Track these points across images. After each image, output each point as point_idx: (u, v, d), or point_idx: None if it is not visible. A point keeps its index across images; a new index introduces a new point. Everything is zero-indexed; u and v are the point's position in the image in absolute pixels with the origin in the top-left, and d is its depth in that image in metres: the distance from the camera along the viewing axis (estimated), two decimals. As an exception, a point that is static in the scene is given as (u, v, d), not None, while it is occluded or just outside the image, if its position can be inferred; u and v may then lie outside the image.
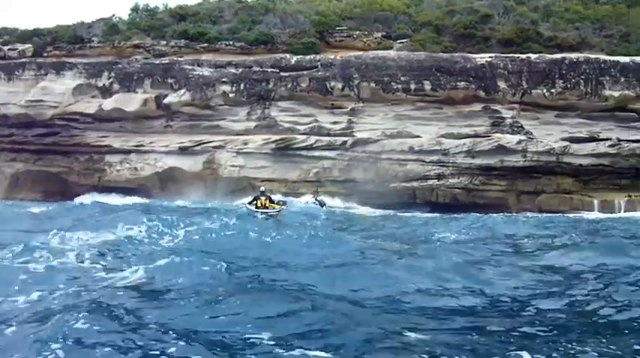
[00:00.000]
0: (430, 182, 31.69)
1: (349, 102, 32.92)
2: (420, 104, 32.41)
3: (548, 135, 31.49)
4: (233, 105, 33.62)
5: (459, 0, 40.69)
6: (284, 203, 21.32)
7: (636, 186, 31.19)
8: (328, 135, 32.70)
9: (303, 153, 32.84)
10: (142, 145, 34.28)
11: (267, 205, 20.25)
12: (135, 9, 42.78)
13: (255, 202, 20.49)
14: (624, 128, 31.47)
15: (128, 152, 34.49)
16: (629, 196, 30.10)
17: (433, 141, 31.84)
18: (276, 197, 22.35)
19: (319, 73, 32.87)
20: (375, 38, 36.40)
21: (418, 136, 32.18)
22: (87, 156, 35.01)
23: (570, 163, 31.17)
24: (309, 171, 32.81)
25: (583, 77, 31.10)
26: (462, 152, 31.51)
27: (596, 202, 30.16)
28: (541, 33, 35.42)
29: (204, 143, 33.58)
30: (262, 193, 20.85)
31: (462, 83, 31.72)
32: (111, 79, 34.74)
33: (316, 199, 25.17)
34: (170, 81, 34.03)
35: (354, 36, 36.59)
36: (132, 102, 34.01)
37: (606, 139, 31.13)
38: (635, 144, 30.99)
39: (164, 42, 36.78)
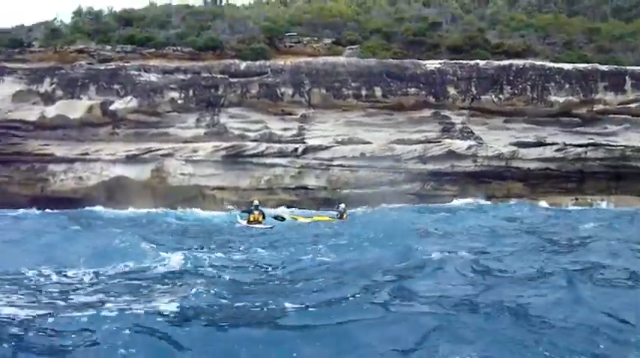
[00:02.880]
0: (382, 188, 31.65)
1: (300, 109, 32.59)
2: (370, 110, 32.34)
3: (496, 141, 31.95)
4: (182, 112, 32.78)
5: (407, 8, 41.07)
6: (282, 218, 20.17)
7: (582, 189, 32.07)
8: (279, 142, 32.27)
9: (254, 160, 32.30)
10: (87, 154, 32.98)
11: (260, 220, 19.41)
12: (78, 12, 41.29)
13: (248, 216, 19.62)
14: (568, 133, 32.21)
15: (72, 161, 33.10)
16: (576, 199, 30.92)
17: (384, 147, 31.85)
18: (269, 211, 21.43)
19: (269, 79, 32.44)
20: (325, 44, 36.23)
21: (369, 142, 32.12)
22: (28, 166, 33.37)
23: (519, 168, 31.74)
24: (260, 179, 32.30)
25: (529, 83, 31.74)
26: (414, 158, 31.63)
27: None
28: (488, 40, 36.03)
29: (152, 151, 32.58)
30: (256, 207, 19.90)
31: (413, 89, 31.86)
32: (53, 85, 33.25)
33: (338, 210, 23.82)
34: (116, 87, 32.88)
35: (304, 42, 36.32)
36: (76, 109, 32.68)
37: (553, 144, 31.81)
38: (580, 149, 31.78)
39: (109, 47, 35.53)
